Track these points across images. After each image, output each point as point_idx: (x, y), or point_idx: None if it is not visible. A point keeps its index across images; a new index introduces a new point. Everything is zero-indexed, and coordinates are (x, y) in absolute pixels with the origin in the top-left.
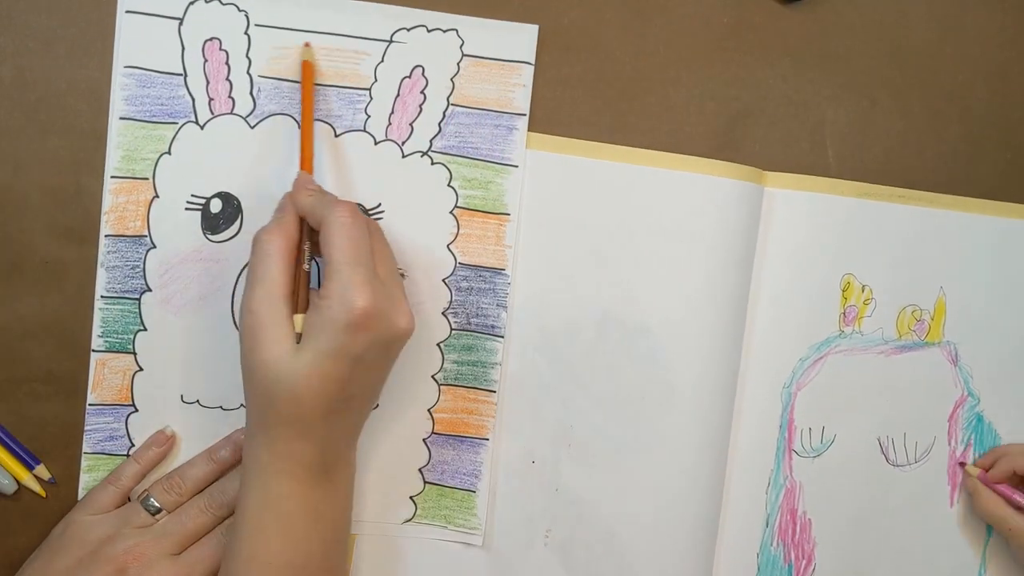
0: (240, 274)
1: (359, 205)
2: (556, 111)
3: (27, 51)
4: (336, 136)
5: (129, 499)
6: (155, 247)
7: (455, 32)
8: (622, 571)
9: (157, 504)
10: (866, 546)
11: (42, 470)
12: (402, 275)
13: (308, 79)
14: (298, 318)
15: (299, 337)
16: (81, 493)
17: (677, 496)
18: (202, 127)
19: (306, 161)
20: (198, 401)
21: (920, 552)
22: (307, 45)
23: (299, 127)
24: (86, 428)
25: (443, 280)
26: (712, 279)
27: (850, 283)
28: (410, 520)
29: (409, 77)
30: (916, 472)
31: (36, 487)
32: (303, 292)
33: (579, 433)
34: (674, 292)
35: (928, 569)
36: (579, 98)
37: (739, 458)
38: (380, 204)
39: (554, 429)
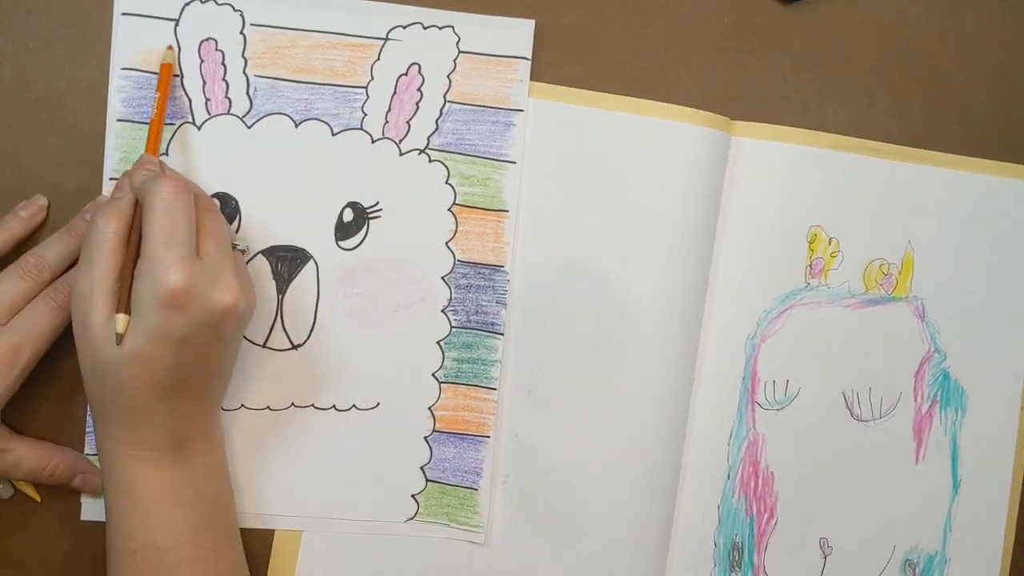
0: None
1: (357, 204)
2: None
3: (27, 51)
4: (333, 135)
5: None
6: None
7: (451, 29)
8: (577, 520)
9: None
10: (829, 501)
11: None
12: (241, 251)
13: (165, 80)
14: (120, 318)
15: (120, 338)
16: (83, 495)
17: (636, 446)
18: (199, 128)
19: (152, 144)
20: None
21: (885, 508)
22: (169, 48)
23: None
24: (87, 429)
25: (442, 278)
26: (676, 227)
27: (817, 235)
28: (412, 519)
29: (406, 75)
30: (882, 427)
31: (31, 492)
32: (126, 288)
33: (538, 379)
34: (637, 239)
35: (893, 525)
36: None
37: (701, 409)
38: (378, 202)
39: (514, 374)
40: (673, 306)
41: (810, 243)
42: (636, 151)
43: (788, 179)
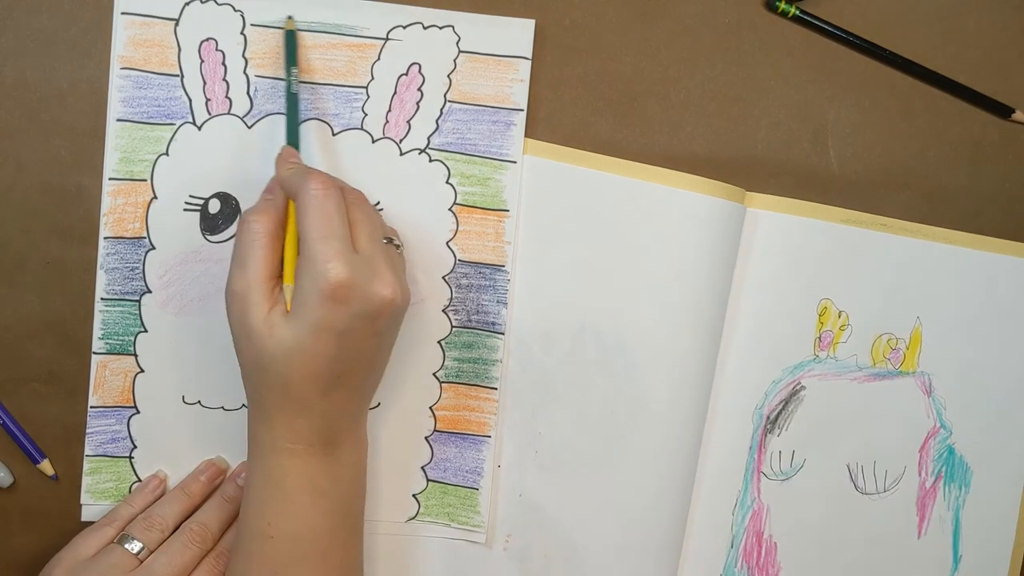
0: None
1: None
2: (557, 112)
3: (29, 51)
4: (333, 135)
5: None
6: (154, 248)
7: (451, 28)
8: None
9: (140, 543)
10: (831, 573)
11: (46, 466)
12: (396, 246)
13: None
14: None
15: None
16: (84, 496)
17: (642, 513)
18: (199, 128)
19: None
20: (200, 402)
21: None
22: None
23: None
24: (88, 431)
25: (443, 277)
26: (690, 296)
27: (827, 308)
28: (413, 518)
29: (406, 74)
30: (885, 501)
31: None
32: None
33: (547, 441)
34: (652, 307)
35: None
36: (580, 99)
37: (707, 477)
38: (379, 202)
39: (521, 434)
40: (684, 374)
41: (820, 316)
42: (652, 221)
43: (800, 252)
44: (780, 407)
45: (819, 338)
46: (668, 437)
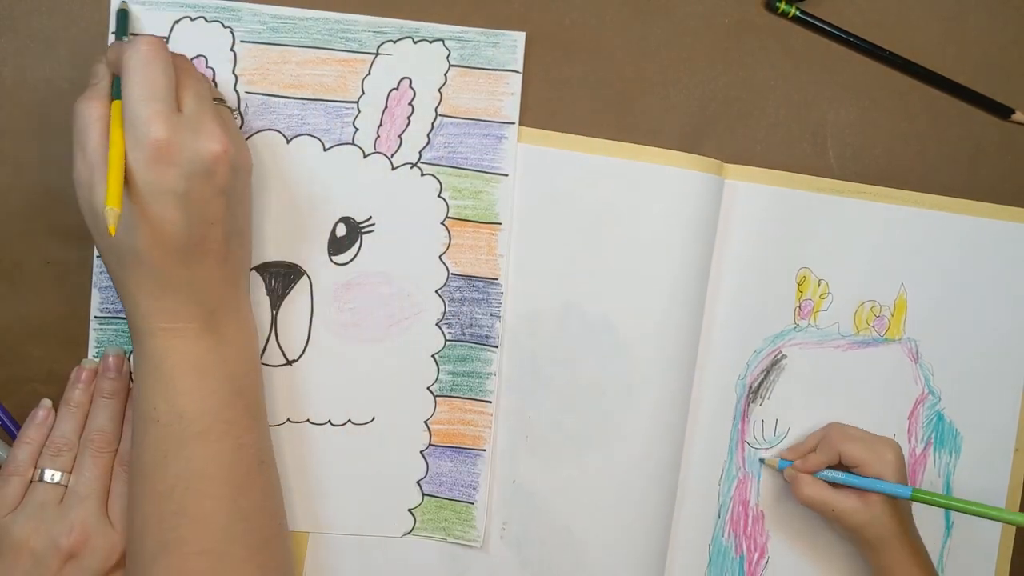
0: None
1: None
2: (557, 112)
3: (29, 51)
4: (324, 150)
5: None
6: None
7: (441, 43)
8: (577, 565)
9: (56, 471)
10: (820, 541)
11: None
12: (227, 107)
13: None
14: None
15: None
16: None
17: (633, 489)
18: None
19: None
20: None
21: None
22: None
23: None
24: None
25: (436, 291)
26: (673, 271)
27: (806, 277)
28: (409, 533)
29: (396, 89)
30: None
31: None
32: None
33: (537, 424)
34: (635, 284)
35: None
36: (580, 99)
37: (694, 449)
38: (371, 217)
39: (512, 419)
40: (669, 348)
41: (799, 285)
42: (631, 196)
43: (777, 221)
44: (762, 376)
45: (799, 307)
46: (656, 413)
